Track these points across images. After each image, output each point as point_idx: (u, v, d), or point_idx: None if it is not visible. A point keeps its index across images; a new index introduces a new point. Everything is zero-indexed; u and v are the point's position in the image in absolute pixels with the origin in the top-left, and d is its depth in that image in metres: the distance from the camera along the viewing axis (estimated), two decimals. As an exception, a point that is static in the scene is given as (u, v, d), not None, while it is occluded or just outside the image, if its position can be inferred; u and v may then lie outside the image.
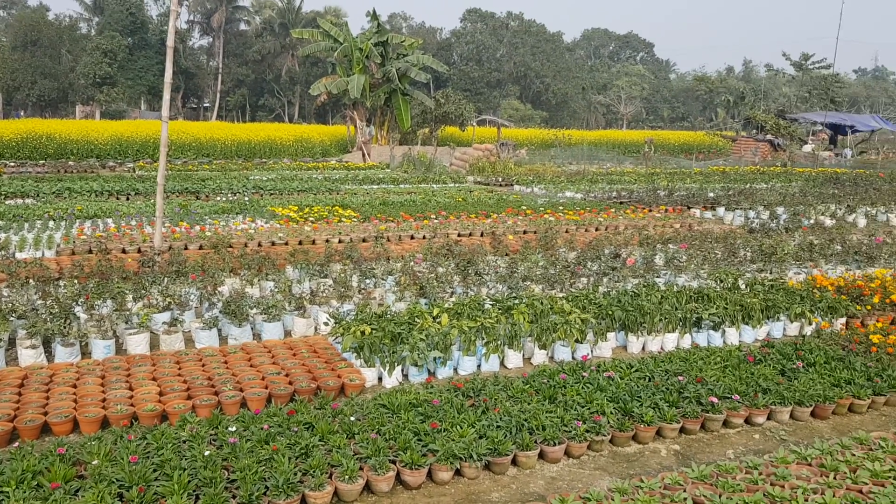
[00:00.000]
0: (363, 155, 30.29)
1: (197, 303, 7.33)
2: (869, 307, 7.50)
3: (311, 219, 12.49)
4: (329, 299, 7.40)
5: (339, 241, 10.83)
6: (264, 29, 67.72)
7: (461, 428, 4.41)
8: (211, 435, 4.38)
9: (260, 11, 70.16)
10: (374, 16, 36.77)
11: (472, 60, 74.20)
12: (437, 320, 6.25)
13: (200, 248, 10.07)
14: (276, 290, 7.58)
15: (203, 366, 5.70)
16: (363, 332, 5.81)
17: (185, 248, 9.96)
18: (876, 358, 5.93)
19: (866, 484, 3.99)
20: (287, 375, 5.49)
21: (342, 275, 7.81)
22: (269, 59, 66.05)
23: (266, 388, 5.22)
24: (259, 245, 10.44)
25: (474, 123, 38.24)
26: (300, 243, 10.68)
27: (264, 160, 30.86)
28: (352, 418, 4.59)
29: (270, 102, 67.65)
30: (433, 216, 12.97)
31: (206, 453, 4.04)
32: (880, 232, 11.69)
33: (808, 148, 41.60)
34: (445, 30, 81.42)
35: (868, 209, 15.93)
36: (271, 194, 17.17)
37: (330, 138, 38.51)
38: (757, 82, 75.17)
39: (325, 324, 6.73)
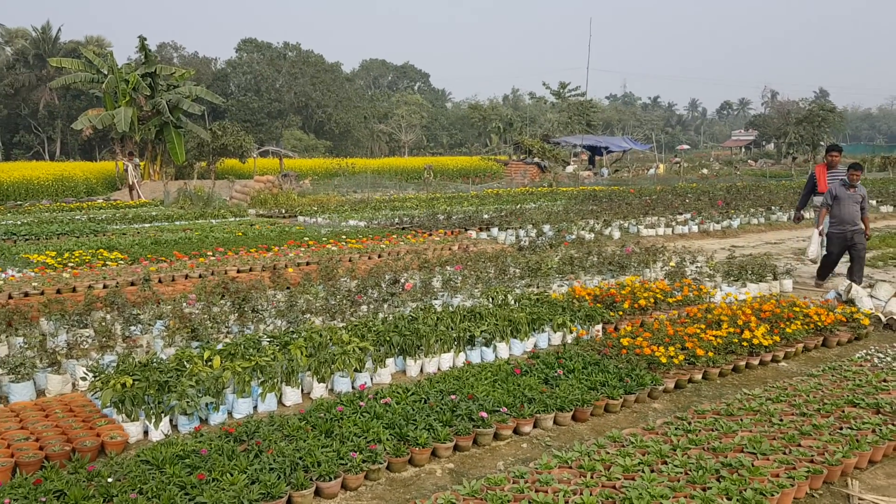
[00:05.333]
0: (133, 192, 28.48)
1: (-70, 369, 6.45)
2: (621, 313, 8.22)
3: (71, 264, 11.49)
4: (88, 351, 6.83)
5: (104, 287, 10.05)
6: (17, 60, 61.87)
7: (232, 475, 4.22)
8: (-62, 520, 3.85)
9: (11, 42, 64.07)
10: (142, 45, 34.85)
11: (251, 91, 72.69)
12: (209, 363, 5.97)
13: (-65, 305, 8.88)
14: (26, 345, 6.85)
15: (-65, 440, 5.01)
16: (124, 385, 5.40)
17: (-85, 308, 8.74)
18: (626, 359, 6.50)
19: (619, 479, 4.32)
20: (38, 440, 4.97)
21: (103, 323, 7.24)
22: (24, 92, 60.37)
23: (12, 456, 4.69)
24: (9, 297, 9.41)
25: (255, 155, 37.38)
26: (58, 292, 9.78)
27: (20, 203, 28.10)
28: (110, 479, 4.24)
29: (28, 139, 61.83)
30: (210, 253, 12.44)
31: (-69, 543, 3.54)
32: (630, 243, 12.90)
33: (570, 169, 45.17)
34: (221, 60, 79.08)
35: (621, 222, 17.54)
36: (26, 240, 15.61)
37: (97, 176, 35.87)
38: (524, 109, 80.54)
39: (83, 379, 6.19)
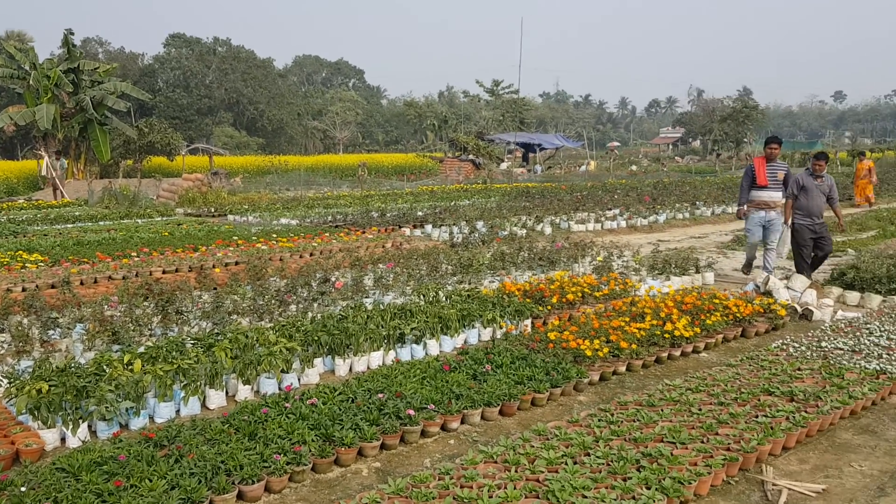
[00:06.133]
0: (57, 191, 27.49)
1: None
2: (549, 307, 8.33)
3: (-14, 268, 11.03)
4: (4, 357, 6.58)
5: (23, 290, 9.70)
6: (-69, 58, 59.07)
7: (151, 481, 4.12)
8: None
9: (-74, 38, 61.07)
10: (66, 40, 33.61)
11: (180, 87, 71.09)
12: (130, 367, 5.82)
13: None
14: (-64, 354, 6.56)
15: None
16: (40, 391, 5.21)
17: None
18: (553, 353, 6.60)
19: (543, 472, 4.38)
20: (-52, 452, 4.77)
21: (20, 328, 6.97)
22: (-60, 89, 57.64)
23: (-82, 469, 4.49)
24: (-83, 304, 8.96)
25: (184, 153, 36.52)
26: (-27, 297, 9.37)
27: (-67, 205, 26.84)
28: (23, 489, 4.09)
29: (-55, 139, 59.03)
30: (134, 254, 12.11)
31: None
32: (561, 238, 13.10)
33: (504, 165, 45.59)
34: (148, 55, 77.03)
35: (553, 218, 17.78)
36: (-61, 244, 14.91)
37: (17, 175, 34.49)
38: (460, 107, 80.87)
39: (-2, 386, 5.95)
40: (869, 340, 7.24)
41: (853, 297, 9.48)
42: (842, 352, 6.94)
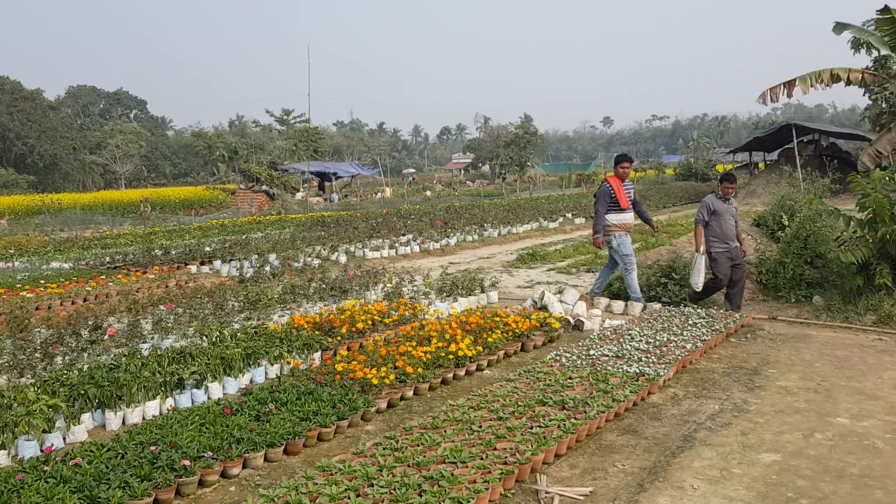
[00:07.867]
0: None
1: None
2: (339, 338, 8.30)
3: None
4: None
5: None
6: None
7: None
8: None
9: None
10: None
11: (-70, 122, 63.72)
12: None
13: None
14: None
15: None
16: None
17: None
18: (340, 385, 6.56)
19: (326, 509, 4.33)
20: None
21: None
22: None
23: None
24: None
25: (-65, 194, 32.59)
26: None
27: None
28: None
29: None
30: None
31: None
32: (354, 266, 13.12)
33: (299, 195, 45.11)
34: None
35: (348, 247, 17.81)
36: None
37: None
38: (251, 136, 79.09)
39: None
40: (630, 346, 7.91)
41: (619, 305, 10.33)
42: (607, 358, 7.52)
